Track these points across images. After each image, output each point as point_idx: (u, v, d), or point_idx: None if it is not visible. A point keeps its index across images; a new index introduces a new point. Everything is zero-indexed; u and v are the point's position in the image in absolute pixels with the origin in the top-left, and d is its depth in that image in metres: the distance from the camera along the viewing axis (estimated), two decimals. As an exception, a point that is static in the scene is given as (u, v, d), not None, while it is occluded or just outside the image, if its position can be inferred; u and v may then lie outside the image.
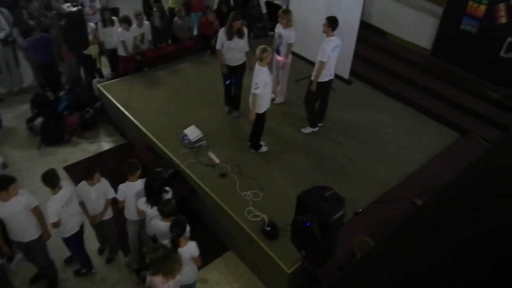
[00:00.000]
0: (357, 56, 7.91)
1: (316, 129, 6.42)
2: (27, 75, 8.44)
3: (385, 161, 6.00)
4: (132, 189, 4.63)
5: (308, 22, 6.77)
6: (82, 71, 7.92)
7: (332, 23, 5.70)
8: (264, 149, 6.05)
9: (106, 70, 8.45)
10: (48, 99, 7.47)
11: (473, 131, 6.52)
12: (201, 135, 6.11)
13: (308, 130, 6.45)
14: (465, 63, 7.35)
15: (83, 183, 4.62)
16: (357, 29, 6.14)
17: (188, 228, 4.27)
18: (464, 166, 3.00)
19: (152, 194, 4.49)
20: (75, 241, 4.76)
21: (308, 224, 3.13)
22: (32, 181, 6.26)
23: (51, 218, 4.32)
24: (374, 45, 8.34)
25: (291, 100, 7.12)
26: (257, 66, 5.33)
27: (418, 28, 7.93)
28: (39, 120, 7.06)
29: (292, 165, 5.86)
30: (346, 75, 6.68)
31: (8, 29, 7.42)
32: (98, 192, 4.62)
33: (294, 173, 5.72)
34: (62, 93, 7.44)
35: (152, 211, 4.45)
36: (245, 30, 6.04)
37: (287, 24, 6.28)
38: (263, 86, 5.30)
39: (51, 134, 7.03)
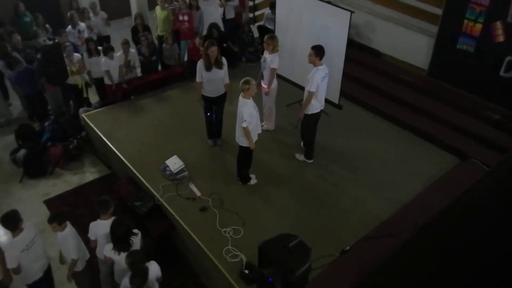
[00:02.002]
0: (350, 77, 7.71)
1: (311, 161, 6.10)
2: (17, 106, 8.35)
3: (378, 191, 5.63)
4: (103, 229, 4.33)
5: (295, 47, 6.53)
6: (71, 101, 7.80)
7: (318, 52, 5.45)
8: (253, 181, 5.74)
9: (96, 98, 8.31)
10: (33, 130, 7.32)
11: (473, 156, 6.13)
12: (182, 166, 5.83)
13: (302, 158, 6.14)
14: (463, 83, 7.01)
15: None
16: (344, 52, 5.87)
17: (159, 274, 3.99)
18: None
19: (119, 240, 4.16)
20: None
21: (270, 279, 2.78)
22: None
23: (9, 264, 4.04)
24: (368, 66, 8.05)
25: (281, 126, 6.83)
26: (241, 99, 5.08)
27: (413, 48, 7.62)
28: (22, 152, 6.88)
29: (278, 198, 5.53)
30: (336, 99, 6.38)
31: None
32: (61, 241, 4.32)
33: (280, 207, 5.38)
34: (46, 123, 7.29)
35: (120, 258, 4.13)
36: (224, 60, 5.78)
37: (273, 50, 6.05)
38: (249, 119, 5.04)
39: (34, 166, 6.83)
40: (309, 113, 5.75)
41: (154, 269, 3.91)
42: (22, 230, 4.13)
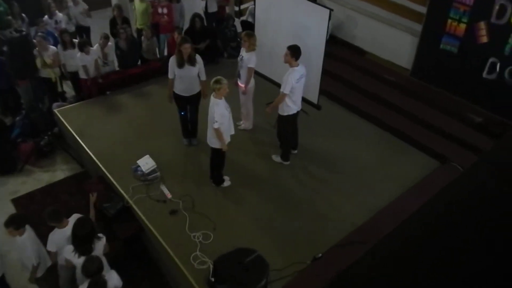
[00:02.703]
0: (332, 75, 7.55)
1: (288, 162, 5.93)
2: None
3: (355, 195, 5.48)
4: (63, 235, 4.11)
5: (274, 44, 6.31)
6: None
7: (294, 52, 5.25)
8: (227, 183, 5.56)
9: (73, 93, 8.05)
10: (3, 125, 7.05)
11: (453, 159, 6.00)
12: (154, 166, 5.64)
13: (278, 159, 5.97)
14: (446, 84, 6.86)
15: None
16: (323, 51, 5.67)
17: (119, 284, 3.81)
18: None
19: (81, 242, 3.96)
20: None
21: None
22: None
23: None
24: (351, 64, 7.88)
25: (259, 125, 6.64)
26: (212, 99, 4.88)
27: (397, 47, 7.46)
28: (-9, 148, 6.63)
29: (252, 201, 5.35)
30: (315, 99, 6.20)
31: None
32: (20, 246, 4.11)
33: (253, 211, 5.21)
34: (17, 118, 7.03)
35: (80, 261, 3.93)
36: (198, 58, 5.57)
37: (250, 48, 5.85)
38: (220, 120, 4.84)
39: (3, 163, 6.58)
40: (285, 114, 5.58)
41: (112, 279, 3.73)
42: None
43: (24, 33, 5.73)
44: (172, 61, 5.49)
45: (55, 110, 6.98)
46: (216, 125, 4.81)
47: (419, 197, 5.20)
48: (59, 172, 6.69)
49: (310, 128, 6.57)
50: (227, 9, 9.32)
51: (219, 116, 4.78)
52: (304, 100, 6.16)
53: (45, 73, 7.19)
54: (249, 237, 4.79)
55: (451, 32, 6.51)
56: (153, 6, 8.00)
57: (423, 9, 6.88)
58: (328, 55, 7.67)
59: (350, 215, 5.17)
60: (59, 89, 7.61)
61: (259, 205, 5.28)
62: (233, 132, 5.19)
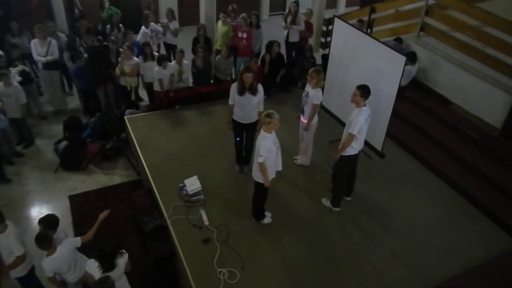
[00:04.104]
0: (407, 122, 7.00)
1: (338, 209, 5.52)
2: (77, 98, 8.71)
3: (404, 261, 4.88)
4: (55, 264, 4.02)
5: (346, 82, 5.97)
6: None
7: (364, 92, 4.89)
8: (267, 220, 5.30)
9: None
10: (79, 123, 7.55)
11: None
12: (199, 189, 5.57)
13: (328, 204, 5.57)
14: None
15: None
16: (394, 98, 5.21)
17: None
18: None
19: (106, 259, 3.94)
20: None
21: None
22: (37, 207, 6.18)
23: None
24: (433, 113, 7.21)
25: (316, 163, 6.31)
26: (262, 132, 4.70)
27: (488, 102, 6.66)
28: (64, 143, 7.10)
29: (289, 245, 5.01)
30: (379, 146, 5.72)
31: (56, 55, 7.69)
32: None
33: (288, 256, 4.86)
34: (92, 120, 7.47)
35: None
36: (260, 88, 5.45)
37: (317, 84, 5.60)
38: (266, 154, 4.64)
39: (70, 159, 6.99)
40: (346, 154, 5.17)
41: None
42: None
43: (104, 43, 6.08)
44: (234, 87, 5.44)
45: (125, 117, 7.30)
46: (260, 159, 4.61)
47: (484, 281, 4.51)
48: (117, 176, 6.93)
49: (370, 176, 6.09)
50: (310, 41, 9.14)
51: (265, 151, 4.57)
52: (368, 145, 5.74)
53: (123, 81, 7.61)
54: (276, 285, 4.46)
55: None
56: (234, 30, 8.11)
57: (523, 65, 6.10)
58: (407, 99, 7.24)
59: (392, 283, 4.59)
60: (133, 98, 7.98)
61: (295, 252, 4.92)
62: (280, 169, 4.94)
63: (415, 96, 7.55)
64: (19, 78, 7.12)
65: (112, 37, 7.94)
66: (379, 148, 5.74)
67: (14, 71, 7.20)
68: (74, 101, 8.77)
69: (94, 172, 7.00)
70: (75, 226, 5.84)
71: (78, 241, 4.19)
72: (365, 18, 8.52)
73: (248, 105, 5.44)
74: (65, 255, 4.04)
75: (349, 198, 5.68)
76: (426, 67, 7.56)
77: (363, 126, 4.97)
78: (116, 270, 3.86)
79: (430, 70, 7.52)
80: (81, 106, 8.49)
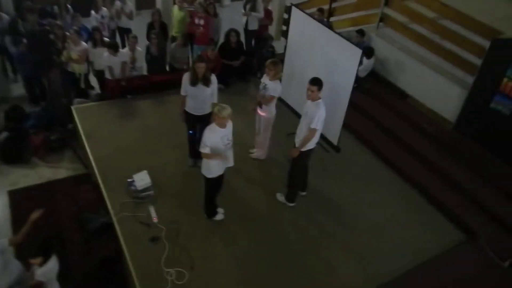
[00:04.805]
0: (366, 114, 6.95)
1: (293, 204, 5.39)
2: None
3: (359, 258, 4.83)
4: None
5: (303, 75, 5.80)
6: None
7: (321, 86, 4.74)
8: (219, 217, 5.10)
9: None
10: (22, 113, 7.01)
11: (482, 235, 5.18)
12: (149, 184, 5.30)
13: (283, 199, 5.43)
14: (492, 146, 6.06)
15: None
16: (350, 92, 5.10)
17: None
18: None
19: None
20: None
21: None
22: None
23: None
24: (390, 106, 7.21)
25: (274, 157, 6.14)
26: (212, 124, 4.47)
27: (443, 97, 6.71)
28: (4, 134, 6.59)
29: (243, 243, 4.84)
30: (335, 140, 5.62)
31: (-4, 38, 7.12)
32: None
33: (240, 254, 4.70)
34: (36, 109, 6.98)
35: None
36: (213, 79, 5.20)
37: (274, 76, 5.40)
38: (210, 145, 4.42)
39: (11, 152, 6.50)
40: (305, 149, 5.02)
41: None
42: None
43: (45, 27, 5.60)
44: (186, 78, 5.16)
45: (72, 107, 6.86)
46: (203, 149, 4.40)
47: (432, 276, 4.52)
48: (63, 170, 6.49)
49: (326, 170, 6.01)
50: (270, 29, 8.91)
51: (211, 142, 4.36)
52: (323, 138, 5.63)
53: (71, 67, 7.14)
54: (226, 286, 4.30)
55: (506, 92, 5.71)
56: (191, 16, 7.76)
57: (478, 61, 6.13)
58: (366, 92, 7.19)
59: (346, 281, 4.53)
60: (82, 86, 7.53)
61: (248, 250, 4.75)
62: (230, 165, 4.73)
63: (375, 89, 7.52)
64: None
65: (58, 22, 7.40)
66: (334, 142, 5.64)
67: None
68: (18, 89, 8.17)
69: (38, 166, 6.53)
70: (14, 223, 5.43)
71: (4, 242, 3.82)
72: (326, 7, 8.37)
73: (200, 97, 5.18)
74: None
75: (304, 193, 5.57)
76: (385, 59, 7.53)
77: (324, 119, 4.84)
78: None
79: (388, 62, 7.50)
80: (26, 94, 7.93)
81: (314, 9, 7.91)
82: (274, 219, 5.20)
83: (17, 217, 5.50)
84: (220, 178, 4.74)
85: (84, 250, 4.99)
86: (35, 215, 4.05)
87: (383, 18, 7.67)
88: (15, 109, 7.04)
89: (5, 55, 7.63)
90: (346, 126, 5.70)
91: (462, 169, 6.06)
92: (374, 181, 6.00)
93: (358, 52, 4.82)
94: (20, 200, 5.86)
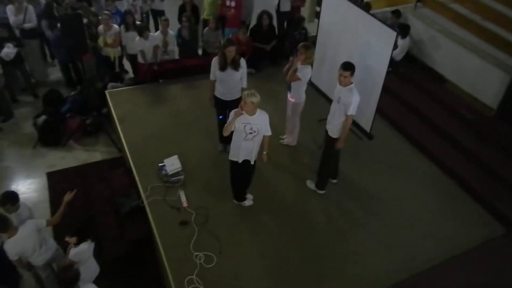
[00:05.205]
0: (400, 100, 6.72)
1: (323, 192, 5.31)
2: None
3: (388, 249, 4.71)
4: (18, 247, 3.81)
5: (335, 58, 5.63)
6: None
7: (354, 70, 4.57)
8: (248, 203, 5.09)
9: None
10: (59, 97, 7.24)
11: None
12: (179, 169, 5.35)
13: (313, 186, 5.36)
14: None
15: None
16: (383, 77, 4.91)
17: None
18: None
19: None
20: None
21: None
22: (13, 184, 6.00)
23: None
24: (426, 90, 6.92)
25: (304, 144, 6.06)
26: (235, 110, 4.40)
27: (485, 81, 6.36)
28: (42, 118, 6.82)
29: (270, 230, 4.82)
30: (367, 127, 5.46)
31: (34, 23, 7.28)
32: None
33: (267, 241, 4.68)
34: (72, 93, 7.16)
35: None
36: (243, 62, 5.12)
37: (305, 61, 5.26)
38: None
39: (49, 135, 6.73)
40: (337, 136, 4.88)
41: None
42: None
43: (78, 11, 5.68)
44: (215, 62, 5.11)
45: (106, 91, 6.99)
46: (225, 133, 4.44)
47: (468, 270, 4.37)
48: (98, 153, 6.67)
49: (358, 157, 5.86)
50: (302, 10, 8.70)
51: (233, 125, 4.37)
52: (356, 125, 5.49)
53: (106, 51, 7.24)
54: (253, 274, 4.32)
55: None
56: (222, -2, 7.67)
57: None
58: (400, 76, 6.93)
59: (376, 271, 4.44)
60: (117, 69, 7.64)
61: (276, 237, 4.72)
62: (249, 158, 4.60)
63: (409, 72, 7.23)
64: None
65: (93, 9, 7.50)
66: (367, 128, 5.48)
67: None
68: (56, 73, 8.40)
69: (74, 148, 6.74)
70: (52, 204, 5.65)
71: (42, 222, 3.97)
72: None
73: (230, 81, 5.13)
74: (28, 236, 3.83)
75: (335, 181, 5.47)
76: (422, 41, 7.20)
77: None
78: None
79: (426, 45, 7.17)
80: (63, 78, 8.14)
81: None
82: (303, 207, 5.15)
83: (55, 198, 5.72)
84: (237, 165, 4.63)
85: (117, 233, 5.12)
86: (68, 197, 4.18)
87: (421, -2, 7.33)
88: (52, 93, 7.27)
89: (43, 39, 7.84)
90: (379, 112, 5.51)
91: (503, 159, 5.78)
92: (408, 170, 5.82)
93: (393, 34, 4.61)
94: (58, 182, 6.08)
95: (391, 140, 6.31)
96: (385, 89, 5.11)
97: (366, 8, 7.20)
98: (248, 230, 4.79)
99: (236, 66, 5.04)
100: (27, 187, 5.98)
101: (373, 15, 5.10)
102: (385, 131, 6.41)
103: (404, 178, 5.68)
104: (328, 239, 4.77)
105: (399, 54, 6.94)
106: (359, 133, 5.76)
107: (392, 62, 4.96)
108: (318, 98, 6.29)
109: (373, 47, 5.00)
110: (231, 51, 4.92)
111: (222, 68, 5.03)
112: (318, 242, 4.72)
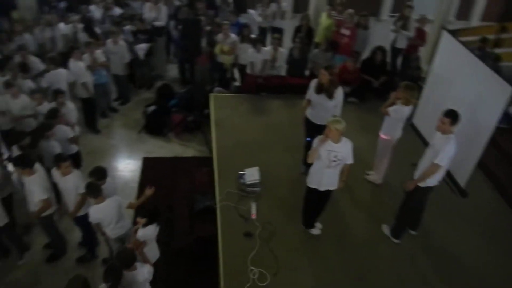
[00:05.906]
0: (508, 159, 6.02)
1: (397, 241, 4.99)
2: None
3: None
4: (101, 212, 4.25)
5: (441, 105, 5.25)
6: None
7: (455, 120, 4.24)
8: (315, 231, 4.99)
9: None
10: (170, 91, 7.90)
11: None
12: (257, 181, 5.46)
13: (388, 232, 5.05)
14: None
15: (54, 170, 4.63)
16: (490, 132, 4.46)
17: (148, 278, 3.75)
18: None
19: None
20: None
21: None
22: (114, 160, 6.69)
23: None
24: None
25: (390, 185, 5.75)
26: (321, 137, 4.37)
27: None
28: (152, 108, 7.50)
29: (329, 265, 4.63)
30: (462, 181, 4.99)
31: (163, 22, 8.08)
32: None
33: (324, 276, 4.49)
34: (182, 91, 7.76)
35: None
36: (340, 93, 5.06)
37: (404, 101, 5.04)
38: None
39: (154, 124, 7.38)
40: (425, 185, 4.58)
41: (141, 272, 3.70)
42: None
43: (198, 17, 6.16)
44: (313, 83, 5.16)
45: (211, 94, 7.44)
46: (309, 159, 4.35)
47: None
48: (191, 150, 7.14)
49: (448, 213, 5.36)
50: (422, 51, 8.29)
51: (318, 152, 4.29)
52: (449, 177, 5.07)
53: (220, 58, 7.73)
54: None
55: None
56: (337, 25, 7.69)
57: None
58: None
59: None
60: (228, 75, 8.08)
61: (335, 274, 4.53)
62: (328, 188, 4.51)
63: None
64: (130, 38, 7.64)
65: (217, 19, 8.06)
66: (462, 184, 5.01)
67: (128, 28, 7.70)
68: (174, 70, 9.18)
69: (172, 140, 7.31)
70: (140, 186, 6.15)
71: (124, 203, 4.38)
72: (492, 37, 7.45)
73: (321, 106, 5.13)
74: (111, 208, 4.25)
75: (414, 232, 5.08)
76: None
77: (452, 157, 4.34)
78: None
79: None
80: (178, 76, 8.87)
81: (475, 37, 7.11)
82: (373, 251, 4.84)
83: (144, 181, 6.24)
84: (315, 192, 4.56)
85: (188, 227, 5.40)
86: (149, 191, 4.51)
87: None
88: (166, 87, 7.97)
89: (169, 38, 8.65)
90: (483, 169, 4.98)
91: None
92: (500, 234, 5.16)
93: (508, 89, 4.17)
94: (150, 168, 6.63)
95: (489, 202, 5.67)
96: (496, 146, 4.62)
97: (495, 59, 6.69)
98: (307, 259, 4.67)
99: (329, 93, 5.02)
100: (125, 166, 6.62)
101: (490, 67, 4.68)
102: (485, 191, 5.81)
103: (494, 242, 5.03)
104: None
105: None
106: (452, 186, 5.30)
107: (510, 119, 4.48)
108: (417, 141, 5.94)
109: (485, 99, 4.58)
110: (323, 74, 4.93)
111: (317, 91, 5.06)
112: (378, 289, 4.42)
